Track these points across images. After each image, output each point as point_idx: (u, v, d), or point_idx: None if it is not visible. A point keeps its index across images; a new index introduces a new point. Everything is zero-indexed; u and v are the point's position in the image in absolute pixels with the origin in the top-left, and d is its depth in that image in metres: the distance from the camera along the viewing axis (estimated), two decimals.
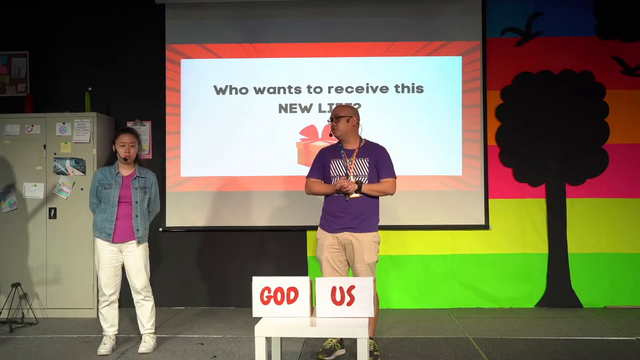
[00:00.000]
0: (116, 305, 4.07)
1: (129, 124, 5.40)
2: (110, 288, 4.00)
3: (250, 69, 5.43)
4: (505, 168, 5.39)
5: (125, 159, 4.00)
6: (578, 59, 5.36)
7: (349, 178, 3.78)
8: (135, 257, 4.01)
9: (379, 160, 3.84)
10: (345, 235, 3.78)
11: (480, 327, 4.64)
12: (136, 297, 4.06)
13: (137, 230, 4.00)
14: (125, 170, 4.06)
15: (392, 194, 3.88)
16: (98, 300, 4.10)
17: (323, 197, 3.95)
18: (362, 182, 3.77)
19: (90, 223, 4.98)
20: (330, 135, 3.91)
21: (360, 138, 3.92)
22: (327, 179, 3.88)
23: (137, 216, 4.01)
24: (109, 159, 4.13)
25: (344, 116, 3.83)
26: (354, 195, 3.76)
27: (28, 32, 5.55)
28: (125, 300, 4.25)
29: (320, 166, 3.93)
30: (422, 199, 5.32)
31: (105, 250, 4.00)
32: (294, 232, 5.39)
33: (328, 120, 3.96)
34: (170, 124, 5.43)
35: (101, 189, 4.01)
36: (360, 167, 3.81)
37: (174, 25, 5.44)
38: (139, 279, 4.02)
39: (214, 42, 5.43)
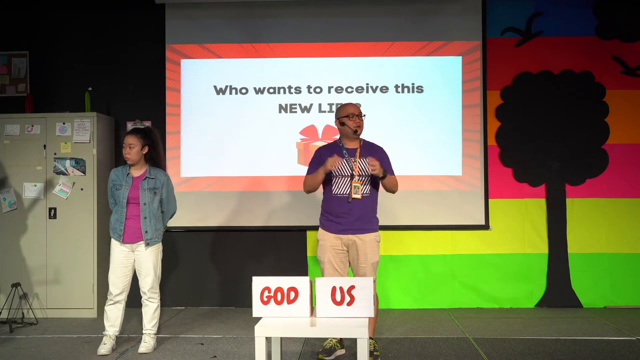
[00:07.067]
0: (121, 306, 4.04)
1: (129, 124, 5.40)
2: (117, 288, 4.00)
3: (250, 69, 5.43)
4: (505, 168, 5.39)
5: (126, 161, 4.02)
6: (578, 59, 5.36)
7: (354, 178, 3.77)
8: (143, 258, 4.00)
9: (381, 160, 3.82)
10: (349, 237, 3.78)
11: (480, 327, 4.64)
12: (142, 297, 4.07)
13: (146, 232, 3.98)
14: (136, 171, 4.05)
15: (395, 192, 3.93)
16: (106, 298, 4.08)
17: (322, 196, 3.95)
18: (386, 170, 3.78)
19: (90, 223, 5.06)
20: (355, 132, 3.78)
21: (360, 138, 3.92)
22: (329, 178, 3.87)
23: (145, 217, 3.99)
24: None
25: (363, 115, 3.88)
26: (356, 195, 3.76)
27: (28, 32, 5.55)
28: (135, 301, 4.23)
29: (319, 166, 3.91)
30: (422, 199, 5.32)
31: (117, 250, 4.01)
32: (294, 232, 5.39)
33: (346, 116, 3.80)
34: (170, 124, 5.43)
35: (114, 189, 4.03)
36: (363, 167, 3.80)
37: (174, 25, 5.44)
38: (146, 280, 4.02)
39: (214, 42, 5.43)
